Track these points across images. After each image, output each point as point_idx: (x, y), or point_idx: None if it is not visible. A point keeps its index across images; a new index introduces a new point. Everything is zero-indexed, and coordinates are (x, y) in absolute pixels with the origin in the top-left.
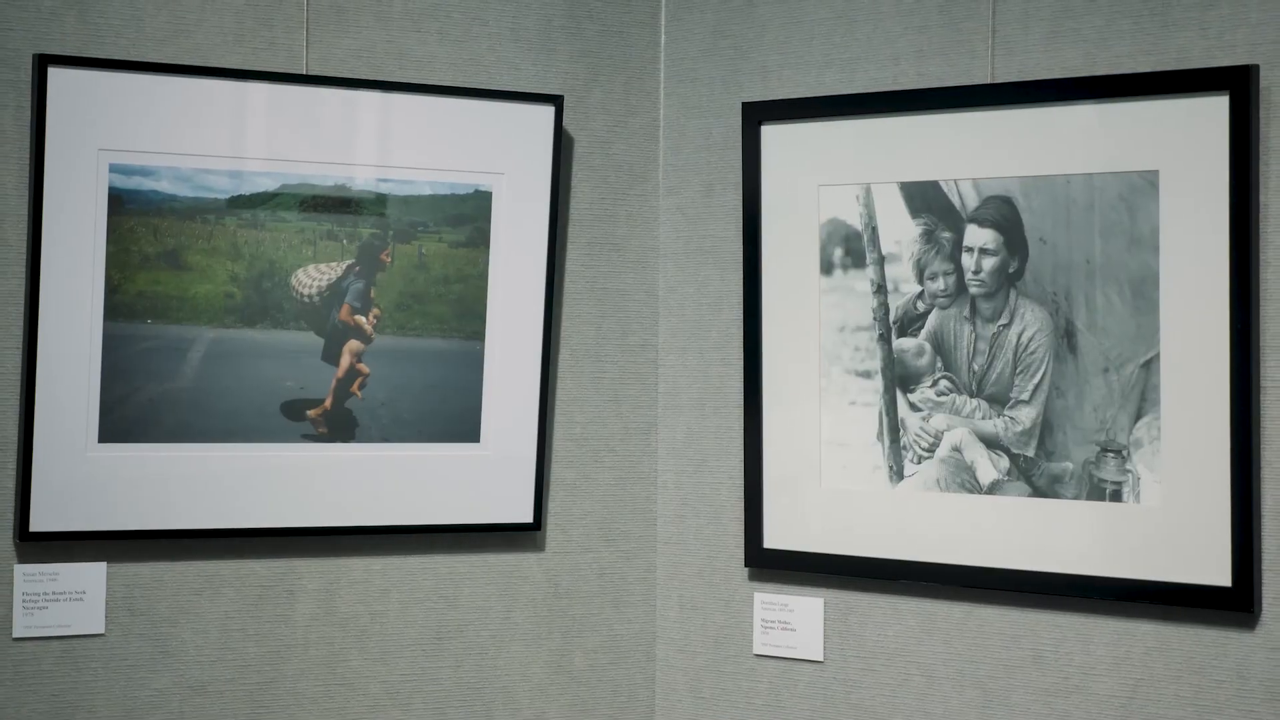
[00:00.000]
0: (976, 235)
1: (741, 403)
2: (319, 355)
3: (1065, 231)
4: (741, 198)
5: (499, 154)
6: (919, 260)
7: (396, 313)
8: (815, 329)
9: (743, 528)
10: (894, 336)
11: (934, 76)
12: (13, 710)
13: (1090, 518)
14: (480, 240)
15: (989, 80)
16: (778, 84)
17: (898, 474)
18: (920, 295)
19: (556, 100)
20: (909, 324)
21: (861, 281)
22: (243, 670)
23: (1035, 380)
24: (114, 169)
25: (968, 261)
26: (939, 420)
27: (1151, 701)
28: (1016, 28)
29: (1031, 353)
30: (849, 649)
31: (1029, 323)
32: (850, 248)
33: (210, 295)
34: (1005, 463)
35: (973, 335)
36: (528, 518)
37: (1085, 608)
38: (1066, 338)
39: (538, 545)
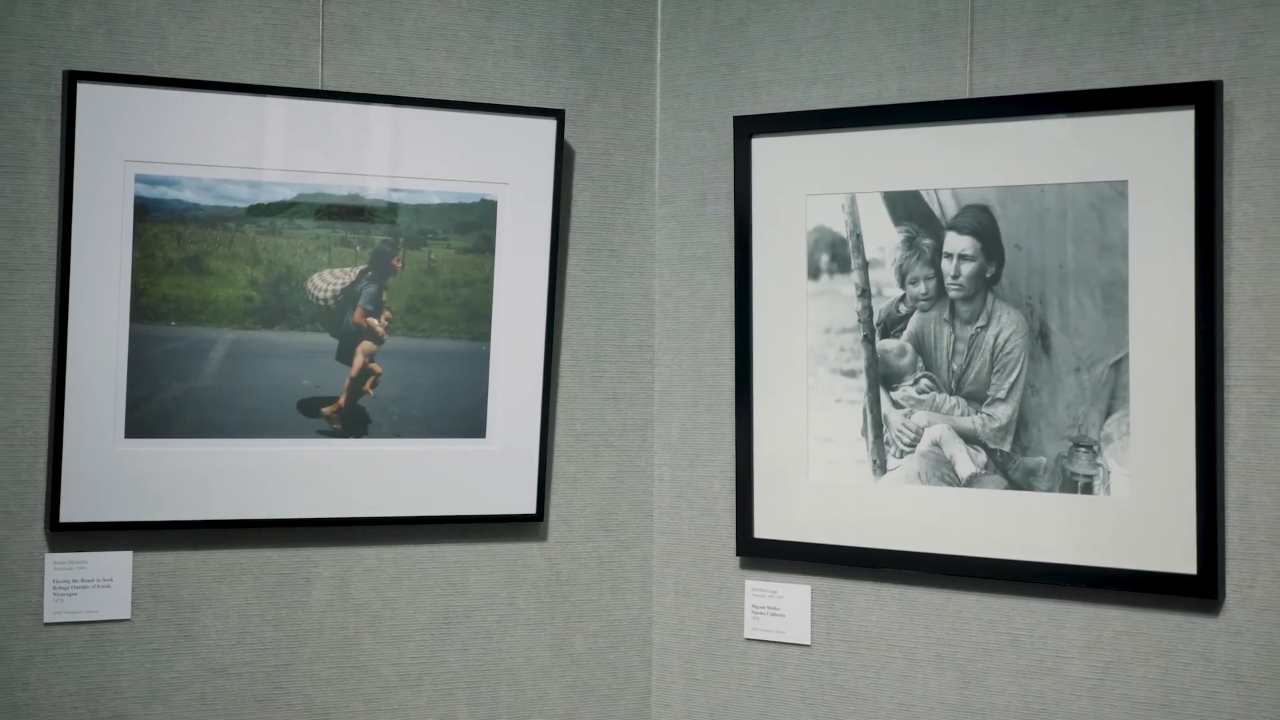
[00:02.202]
0: (955, 242)
1: (733, 400)
2: (334, 355)
3: (1039, 238)
4: (733, 206)
5: (504, 165)
6: (901, 266)
7: (407, 315)
8: (803, 331)
9: (734, 518)
10: (877, 338)
11: (915, 92)
12: (44, 690)
13: (1063, 509)
14: (486, 246)
15: (967, 95)
16: (767, 99)
17: (881, 468)
18: (902, 299)
19: (558, 114)
20: (891, 326)
21: (847, 286)
22: (261, 653)
23: (1011, 379)
24: (139, 179)
25: (947, 267)
26: (920, 417)
27: (1121, 683)
28: (993, 46)
29: (1008, 353)
30: (835, 633)
31: (1005, 325)
32: (836, 254)
33: (231, 299)
34: (982, 457)
35: (952, 337)
36: (531, 509)
37: (1058, 594)
38: (1041, 339)
39: (540, 535)
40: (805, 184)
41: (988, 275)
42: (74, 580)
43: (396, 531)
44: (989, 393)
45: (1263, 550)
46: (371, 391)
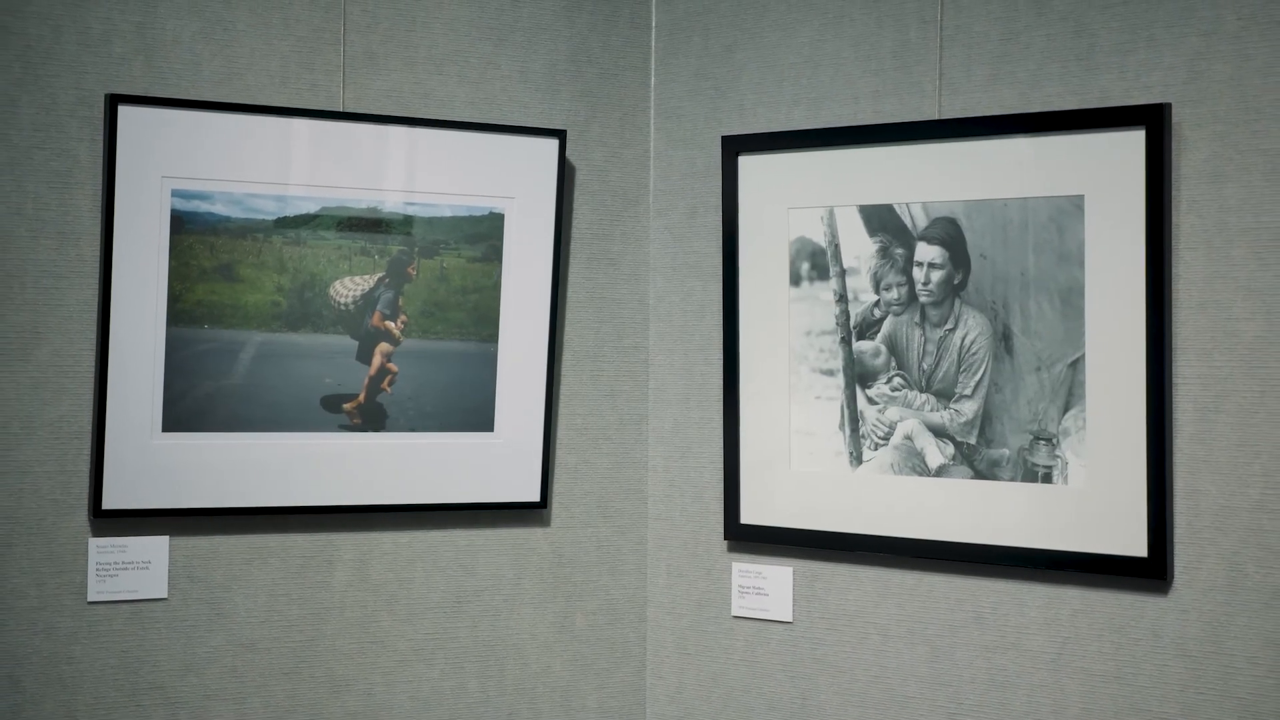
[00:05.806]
0: (926, 251)
1: (721, 397)
2: (354, 356)
3: (1003, 248)
4: (721, 219)
5: (510, 181)
6: (875, 273)
7: (421, 319)
8: (785, 333)
9: (722, 506)
10: (854, 340)
11: (889, 113)
12: (87, 664)
13: (1024, 497)
14: (494, 256)
15: (937, 116)
16: (753, 119)
17: (857, 459)
18: (877, 304)
19: (560, 134)
20: (867, 329)
21: (825, 292)
22: (287, 630)
23: (977, 378)
24: (175, 194)
25: (918, 274)
26: (893, 412)
27: (1077, 657)
28: (960, 71)
29: (973, 354)
30: (815, 611)
31: (971, 328)
32: (816, 262)
33: (259, 304)
34: (950, 449)
35: (922, 338)
36: (535, 497)
37: (1020, 575)
38: (1004, 340)
39: (544, 521)
40: (787, 198)
41: (955, 282)
42: (115, 562)
43: (412, 518)
44: (956, 390)
45: (1208, 535)
46: (389, 389)
